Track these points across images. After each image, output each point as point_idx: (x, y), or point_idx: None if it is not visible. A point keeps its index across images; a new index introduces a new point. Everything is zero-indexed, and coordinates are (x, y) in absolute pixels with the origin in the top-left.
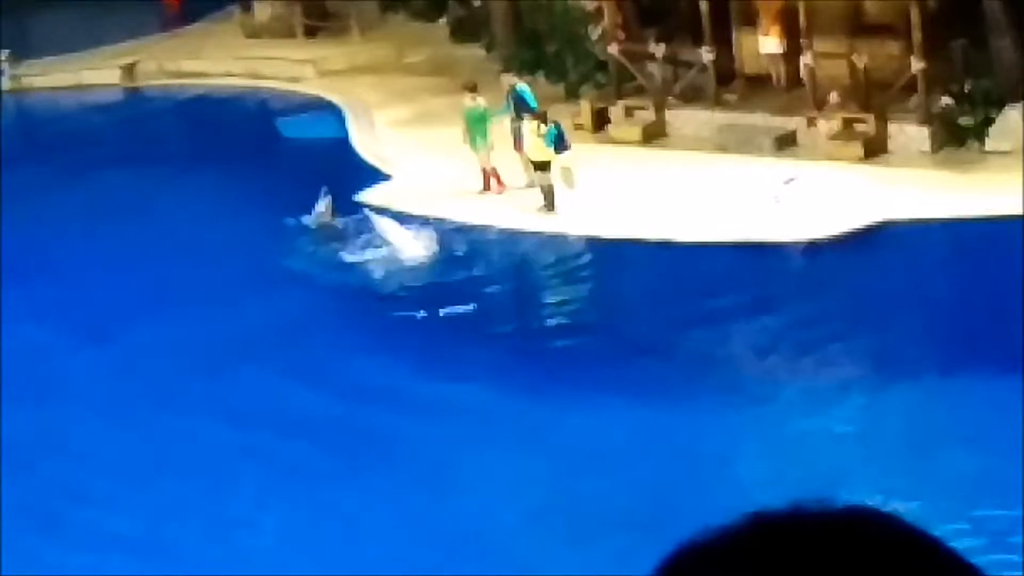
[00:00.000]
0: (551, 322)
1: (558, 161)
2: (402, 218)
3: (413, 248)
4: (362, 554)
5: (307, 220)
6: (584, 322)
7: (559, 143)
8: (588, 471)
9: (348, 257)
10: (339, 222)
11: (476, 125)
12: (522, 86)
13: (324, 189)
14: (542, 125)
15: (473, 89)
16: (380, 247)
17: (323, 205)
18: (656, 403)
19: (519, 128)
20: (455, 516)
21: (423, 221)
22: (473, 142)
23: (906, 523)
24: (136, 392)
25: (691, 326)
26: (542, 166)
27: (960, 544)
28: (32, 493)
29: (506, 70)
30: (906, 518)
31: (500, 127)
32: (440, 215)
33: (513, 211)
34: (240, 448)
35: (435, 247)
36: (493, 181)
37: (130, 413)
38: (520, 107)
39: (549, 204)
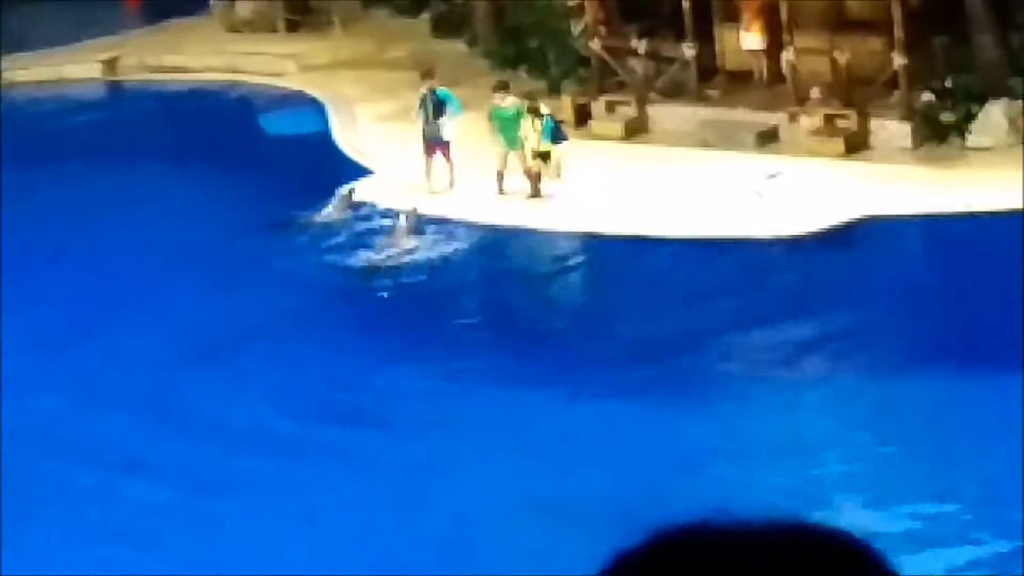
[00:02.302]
0: (523, 317)
1: (554, 151)
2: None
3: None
4: (351, 551)
5: (319, 215)
6: (560, 318)
7: (556, 134)
8: (569, 470)
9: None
10: (347, 217)
11: (509, 127)
12: (443, 90)
13: (346, 186)
14: (536, 120)
15: (428, 75)
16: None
17: (339, 201)
18: (634, 400)
19: (436, 130)
20: (444, 513)
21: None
22: (511, 144)
23: (845, 537)
24: (115, 393)
25: (671, 322)
26: (543, 156)
27: (959, 547)
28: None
29: (426, 76)
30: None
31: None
32: (423, 210)
33: (491, 205)
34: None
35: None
36: (500, 180)
37: (109, 413)
38: (439, 111)
39: (535, 190)
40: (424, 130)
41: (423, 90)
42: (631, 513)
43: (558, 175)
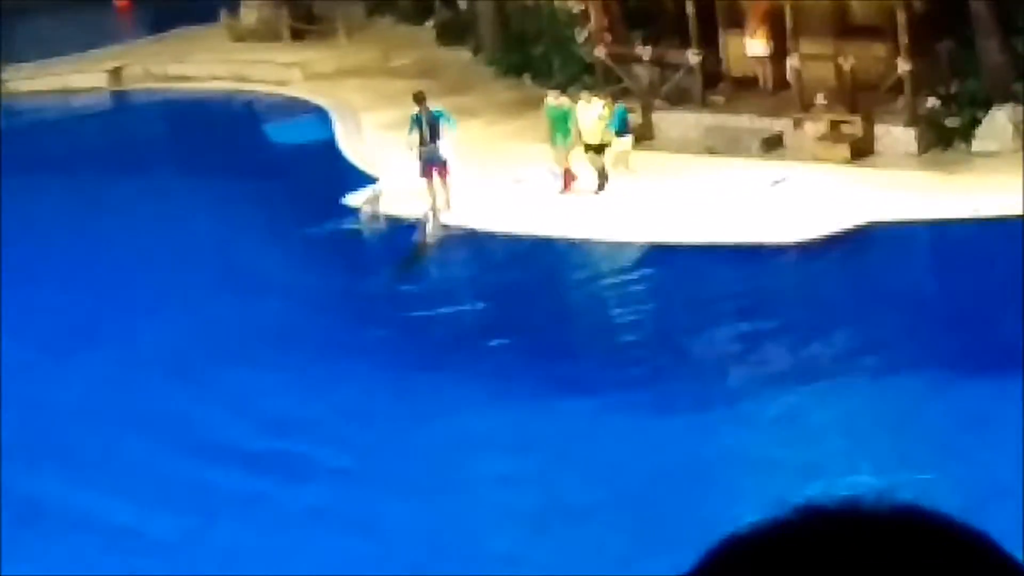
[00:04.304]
0: (528, 323)
1: (617, 144)
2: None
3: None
4: (352, 554)
5: (356, 221)
6: (565, 323)
7: (623, 125)
8: (578, 475)
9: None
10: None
11: (558, 123)
12: (439, 109)
13: (374, 187)
14: (606, 107)
15: (420, 99)
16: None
17: (370, 203)
18: (643, 405)
19: (433, 151)
20: (454, 518)
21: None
22: (553, 140)
23: (963, 525)
24: (118, 400)
25: (677, 328)
26: (597, 149)
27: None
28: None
29: (418, 100)
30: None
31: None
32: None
33: (497, 213)
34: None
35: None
36: (566, 178)
37: (111, 421)
38: (435, 131)
39: (601, 185)
40: (420, 152)
41: (416, 112)
42: (632, 519)
43: (626, 167)
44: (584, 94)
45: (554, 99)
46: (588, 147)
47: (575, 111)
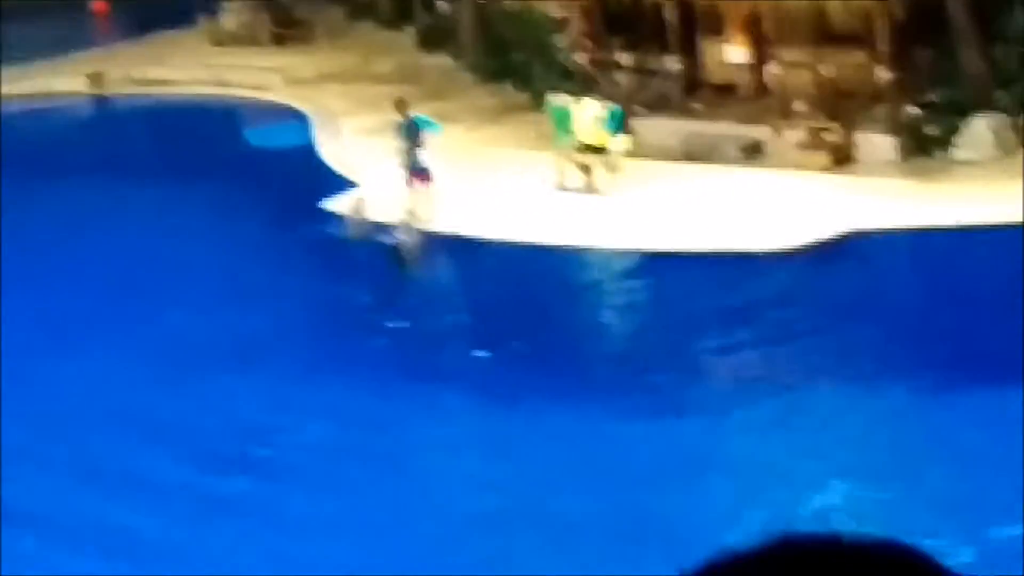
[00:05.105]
0: (508, 330)
1: (613, 144)
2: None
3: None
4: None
5: (340, 227)
6: (545, 331)
7: (620, 125)
8: (558, 483)
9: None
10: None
11: (561, 122)
12: (420, 116)
13: (358, 193)
14: (597, 105)
15: (402, 106)
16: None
17: (356, 209)
18: (621, 413)
19: (413, 157)
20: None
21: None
22: (557, 138)
23: (939, 565)
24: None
25: (658, 335)
26: (596, 150)
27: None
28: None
29: (400, 107)
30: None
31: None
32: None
33: (481, 218)
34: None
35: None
36: (562, 177)
37: (97, 427)
38: (415, 136)
39: (590, 184)
40: (403, 159)
41: (399, 120)
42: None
43: (617, 169)
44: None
45: (557, 99)
46: (586, 147)
47: (573, 111)
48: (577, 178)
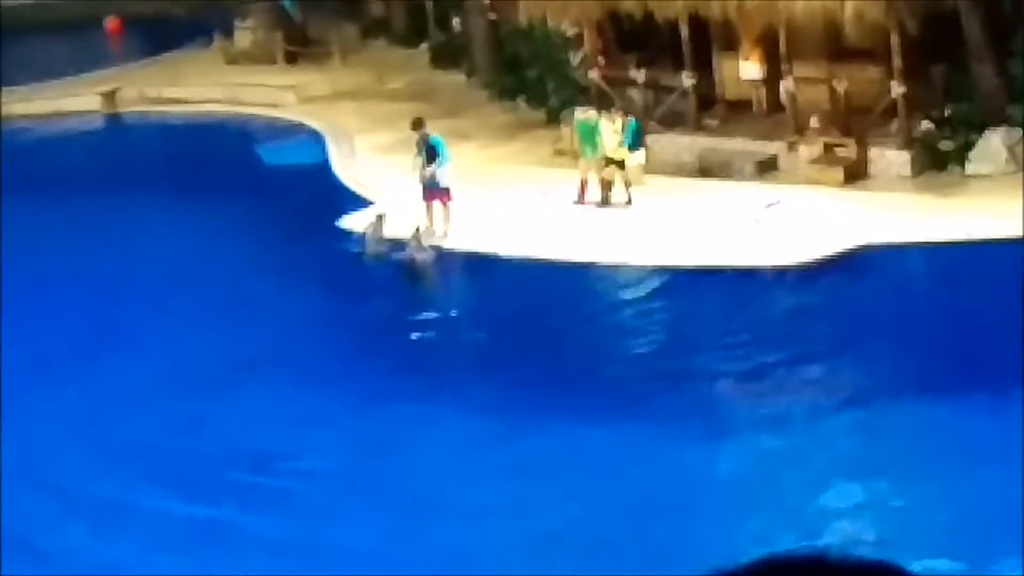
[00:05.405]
0: (519, 344)
1: (631, 158)
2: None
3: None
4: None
5: (358, 245)
6: (556, 345)
7: (636, 138)
8: (568, 496)
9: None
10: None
11: (587, 136)
12: (436, 136)
13: (376, 211)
14: (617, 119)
15: (418, 125)
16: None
17: (374, 227)
18: (632, 428)
19: (432, 174)
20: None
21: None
22: (583, 152)
23: None
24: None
25: (670, 351)
26: (619, 164)
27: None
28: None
29: (416, 126)
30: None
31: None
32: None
33: (496, 234)
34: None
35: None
36: (583, 190)
37: (105, 447)
38: (432, 155)
39: (605, 199)
40: (421, 177)
41: (417, 138)
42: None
43: (637, 182)
44: (579, 109)
45: (582, 113)
46: (609, 161)
47: (600, 125)
48: (597, 192)
